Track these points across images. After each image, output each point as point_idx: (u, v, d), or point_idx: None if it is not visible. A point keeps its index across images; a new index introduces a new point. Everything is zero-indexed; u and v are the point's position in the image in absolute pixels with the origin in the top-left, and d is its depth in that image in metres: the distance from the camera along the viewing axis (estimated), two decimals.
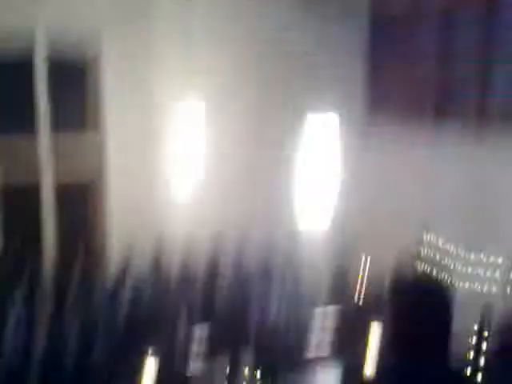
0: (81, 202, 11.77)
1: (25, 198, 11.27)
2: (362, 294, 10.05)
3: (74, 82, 11.52)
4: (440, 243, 10.33)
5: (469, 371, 6.32)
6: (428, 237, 10.49)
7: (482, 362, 6.93)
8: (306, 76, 11.46)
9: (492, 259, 9.29)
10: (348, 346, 7.68)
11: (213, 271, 11.11)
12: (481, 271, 9.41)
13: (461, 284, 9.59)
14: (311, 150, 5.90)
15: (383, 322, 6.66)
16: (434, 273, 10.08)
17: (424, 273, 9.96)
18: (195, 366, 8.11)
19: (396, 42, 11.75)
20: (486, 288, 9.25)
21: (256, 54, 11.70)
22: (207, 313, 10.25)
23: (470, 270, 9.59)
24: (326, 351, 8.21)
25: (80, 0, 10.93)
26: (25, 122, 11.15)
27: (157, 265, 11.08)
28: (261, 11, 11.56)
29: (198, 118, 9.05)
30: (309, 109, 6.13)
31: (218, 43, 11.55)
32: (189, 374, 8.12)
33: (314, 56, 10.86)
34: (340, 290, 11.08)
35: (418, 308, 6.10)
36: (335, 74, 11.47)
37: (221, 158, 11.36)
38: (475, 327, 7.78)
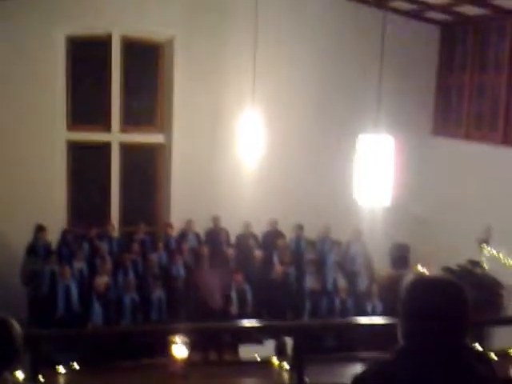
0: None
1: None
2: None
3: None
4: (501, 257, 10.19)
5: None
6: (488, 250, 10.36)
7: None
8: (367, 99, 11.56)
9: None
10: None
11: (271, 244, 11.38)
12: None
13: None
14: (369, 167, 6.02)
15: None
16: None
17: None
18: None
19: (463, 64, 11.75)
20: None
21: (317, 71, 11.90)
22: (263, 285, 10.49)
23: None
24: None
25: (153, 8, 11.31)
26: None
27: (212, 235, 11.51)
28: (324, 32, 11.78)
29: (260, 126, 9.32)
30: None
31: (285, 61, 11.83)
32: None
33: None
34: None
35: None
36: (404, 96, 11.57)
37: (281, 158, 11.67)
38: None
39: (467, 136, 11.46)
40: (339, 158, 10.46)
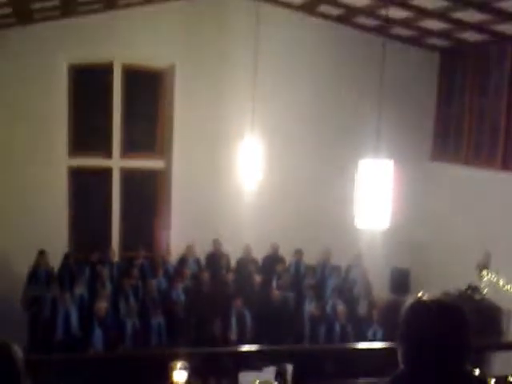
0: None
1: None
2: None
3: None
4: (501, 283, 10.17)
5: None
6: (488, 275, 10.34)
7: None
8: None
9: None
10: None
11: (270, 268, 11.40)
12: None
13: None
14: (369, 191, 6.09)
15: None
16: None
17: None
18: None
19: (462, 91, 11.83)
20: None
21: (316, 98, 11.99)
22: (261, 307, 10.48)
23: None
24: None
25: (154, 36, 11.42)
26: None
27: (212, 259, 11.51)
28: (323, 59, 11.90)
29: (260, 151, 9.40)
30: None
31: (284, 88, 11.91)
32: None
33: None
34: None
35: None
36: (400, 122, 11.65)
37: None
38: None
39: (467, 162, 11.51)
40: (339, 183, 10.52)
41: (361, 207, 6.47)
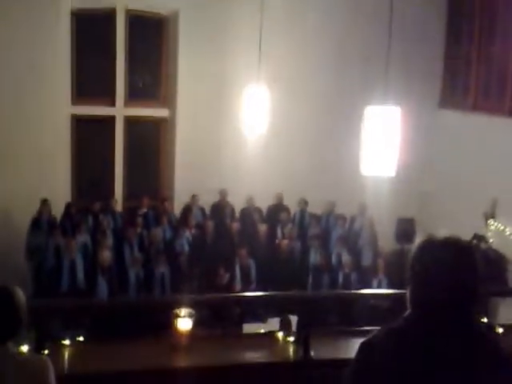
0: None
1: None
2: None
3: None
4: (507, 232, 10.14)
5: None
6: (495, 224, 10.31)
7: None
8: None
9: None
10: None
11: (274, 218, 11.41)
12: None
13: None
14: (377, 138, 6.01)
15: None
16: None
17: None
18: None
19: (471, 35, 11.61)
20: None
21: (324, 43, 11.76)
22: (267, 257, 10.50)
23: None
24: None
25: None
26: None
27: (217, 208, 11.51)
28: (333, 2, 11.64)
29: (265, 100, 9.26)
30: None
31: (291, 33, 11.68)
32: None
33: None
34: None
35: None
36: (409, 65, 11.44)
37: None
38: None
39: (474, 107, 11.36)
40: (345, 131, 10.38)
41: (367, 155, 6.41)
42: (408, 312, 2.34)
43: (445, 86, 12.43)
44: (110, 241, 9.99)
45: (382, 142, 6.13)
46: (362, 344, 2.35)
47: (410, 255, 2.39)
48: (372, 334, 2.37)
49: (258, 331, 6.47)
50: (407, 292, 2.34)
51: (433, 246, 2.31)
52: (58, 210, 10.74)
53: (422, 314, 2.26)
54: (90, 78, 11.86)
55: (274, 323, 7.14)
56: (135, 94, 12.01)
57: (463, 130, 11.49)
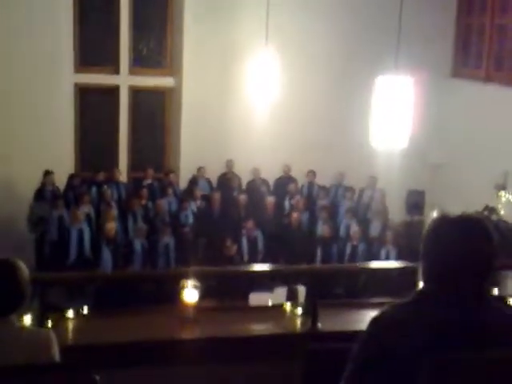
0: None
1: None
2: None
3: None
4: None
5: None
6: (506, 196, 10.27)
7: None
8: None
9: None
10: None
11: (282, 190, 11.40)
12: None
13: None
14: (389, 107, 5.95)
15: None
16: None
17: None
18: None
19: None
20: None
21: (334, 10, 11.59)
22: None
23: None
24: None
25: None
26: None
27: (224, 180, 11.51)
28: None
29: (273, 69, 9.18)
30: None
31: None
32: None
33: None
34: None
35: None
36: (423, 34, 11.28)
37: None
38: None
39: (487, 78, 11.26)
40: (356, 101, 10.29)
41: (378, 126, 6.34)
42: (421, 286, 2.33)
43: (457, 56, 12.31)
44: (114, 212, 9.97)
45: (394, 113, 6.08)
46: (373, 319, 2.33)
47: (423, 229, 2.37)
48: (383, 309, 2.34)
49: (265, 303, 6.47)
50: (420, 266, 2.33)
51: (447, 221, 2.31)
52: (61, 181, 10.73)
53: (437, 287, 2.26)
54: (94, 46, 11.78)
55: (280, 293, 7.16)
56: (140, 63, 11.94)
57: (475, 101, 11.39)
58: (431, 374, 2.14)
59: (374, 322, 2.32)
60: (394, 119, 6.13)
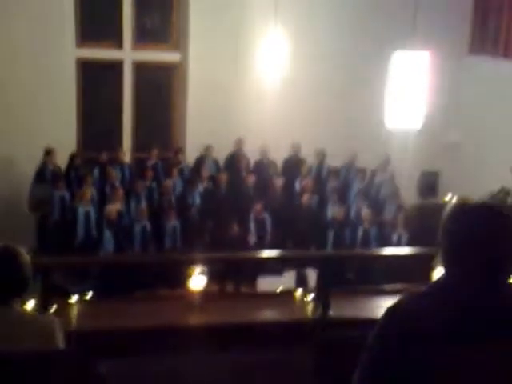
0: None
1: None
2: None
3: None
4: None
5: None
6: None
7: None
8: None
9: None
10: None
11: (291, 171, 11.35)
12: None
13: None
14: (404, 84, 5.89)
15: None
16: None
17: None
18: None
19: None
20: None
21: None
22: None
23: None
24: None
25: None
26: None
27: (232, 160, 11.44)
28: None
29: (284, 44, 9.10)
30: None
31: None
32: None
33: None
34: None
35: None
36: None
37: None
38: None
39: (505, 54, 11.13)
40: (370, 78, 10.16)
41: (392, 105, 6.28)
42: (441, 274, 2.31)
43: (474, 31, 12.15)
44: (121, 193, 9.93)
45: (409, 91, 6.01)
46: (389, 309, 2.31)
47: (437, 213, 2.37)
48: (400, 298, 2.33)
49: (273, 288, 6.47)
50: (439, 254, 2.31)
51: (468, 208, 2.30)
52: (62, 161, 10.67)
53: (457, 275, 2.25)
54: (96, 19, 11.64)
55: (289, 277, 7.15)
56: (144, 37, 11.80)
57: (492, 78, 11.28)
58: (449, 364, 2.14)
59: (392, 311, 2.30)
60: (410, 97, 6.07)
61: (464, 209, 2.31)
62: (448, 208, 2.41)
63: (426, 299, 2.26)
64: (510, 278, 2.34)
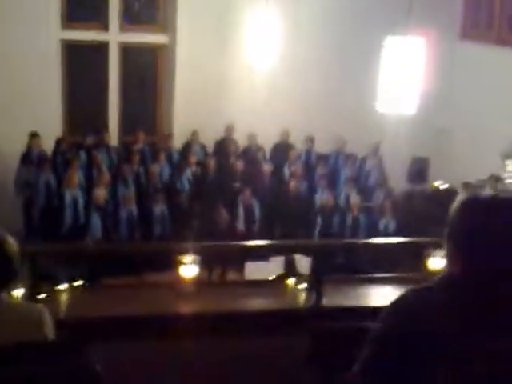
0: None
1: None
2: None
3: None
4: None
5: None
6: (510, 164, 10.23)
7: None
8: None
9: None
10: None
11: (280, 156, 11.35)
12: None
13: None
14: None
15: None
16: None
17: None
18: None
19: None
20: None
21: None
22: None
23: None
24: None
25: None
26: None
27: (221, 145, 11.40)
28: None
29: (274, 26, 9.03)
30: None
31: None
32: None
33: None
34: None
35: None
36: None
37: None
38: None
39: (498, 40, 11.12)
40: (363, 63, 10.12)
41: (385, 89, 6.24)
42: (445, 272, 2.26)
43: (466, 16, 12.13)
44: (107, 177, 9.87)
45: (402, 76, 5.98)
46: (393, 304, 2.27)
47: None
48: (403, 293, 2.28)
49: (262, 273, 6.45)
50: (445, 249, 2.25)
51: (476, 202, 2.23)
52: (48, 146, 10.58)
53: (461, 274, 2.20)
54: (82, 0, 11.52)
55: (277, 261, 7.12)
56: (131, 19, 11.70)
57: (485, 64, 11.28)
58: (454, 363, 2.09)
59: (396, 306, 2.26)
60: (403, 82, 6.04)
61: (469, 203, 2.23)
62: (457, 202, 2.32)
63: (432, 295, 2.21)
64: None
